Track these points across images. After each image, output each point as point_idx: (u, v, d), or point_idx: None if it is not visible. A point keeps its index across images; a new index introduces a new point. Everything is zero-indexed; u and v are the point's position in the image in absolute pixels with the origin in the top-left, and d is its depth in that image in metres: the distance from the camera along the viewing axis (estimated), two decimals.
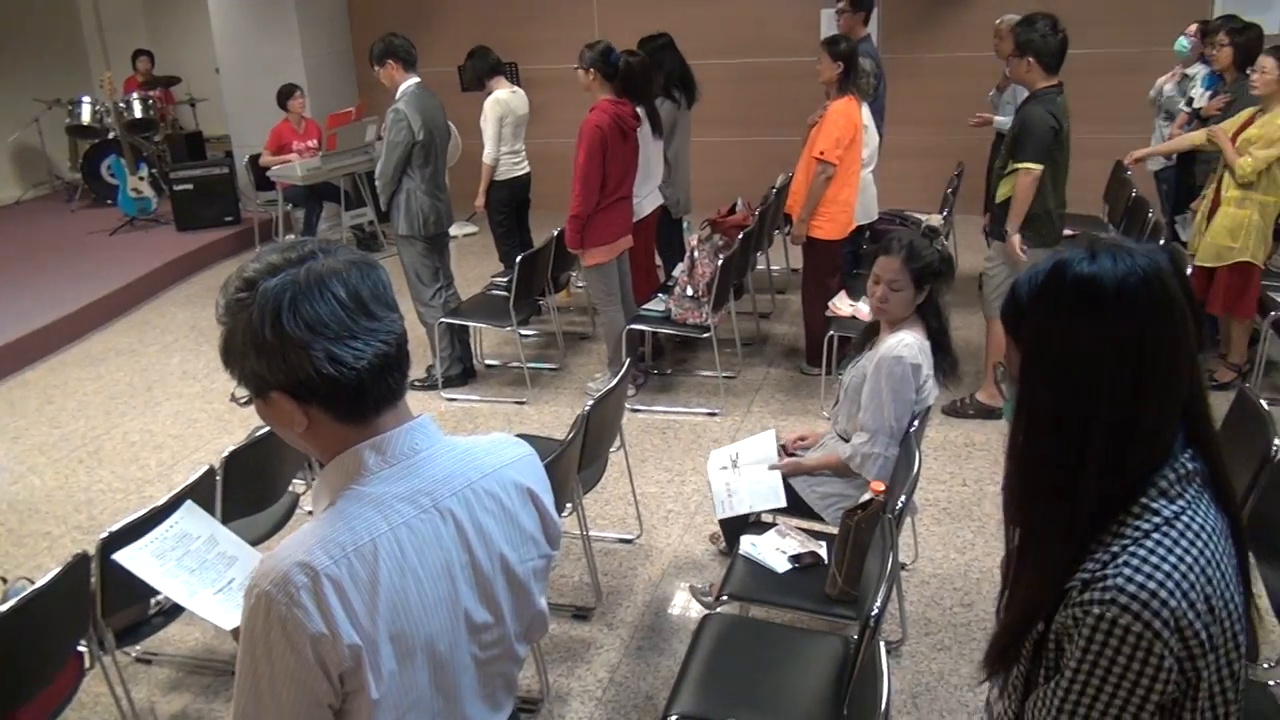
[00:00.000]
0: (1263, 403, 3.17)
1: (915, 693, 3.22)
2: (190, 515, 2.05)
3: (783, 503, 3.28)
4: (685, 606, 3.71)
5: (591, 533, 3.92)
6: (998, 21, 6.19)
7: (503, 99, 6.21)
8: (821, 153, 5.12)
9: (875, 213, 5.70)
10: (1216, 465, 1.29)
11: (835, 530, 2.99)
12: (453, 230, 5.92)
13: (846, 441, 3.33)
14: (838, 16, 6.36)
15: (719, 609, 3.09)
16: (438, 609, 1.32)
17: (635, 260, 5.56)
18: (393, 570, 1.28)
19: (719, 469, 3.44)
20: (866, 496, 3.05)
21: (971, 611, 3.59)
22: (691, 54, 5.92)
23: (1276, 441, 2.94)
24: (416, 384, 5.65)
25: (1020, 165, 4.50)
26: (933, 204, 6.74)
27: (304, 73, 8.92)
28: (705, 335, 5.24)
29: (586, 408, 3.36)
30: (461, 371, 5.71)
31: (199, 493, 2.92)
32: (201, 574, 1.93)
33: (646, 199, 5.51)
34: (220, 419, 5.47)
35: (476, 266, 7.59)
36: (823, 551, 3.12)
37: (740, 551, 3.16)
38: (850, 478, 3.28)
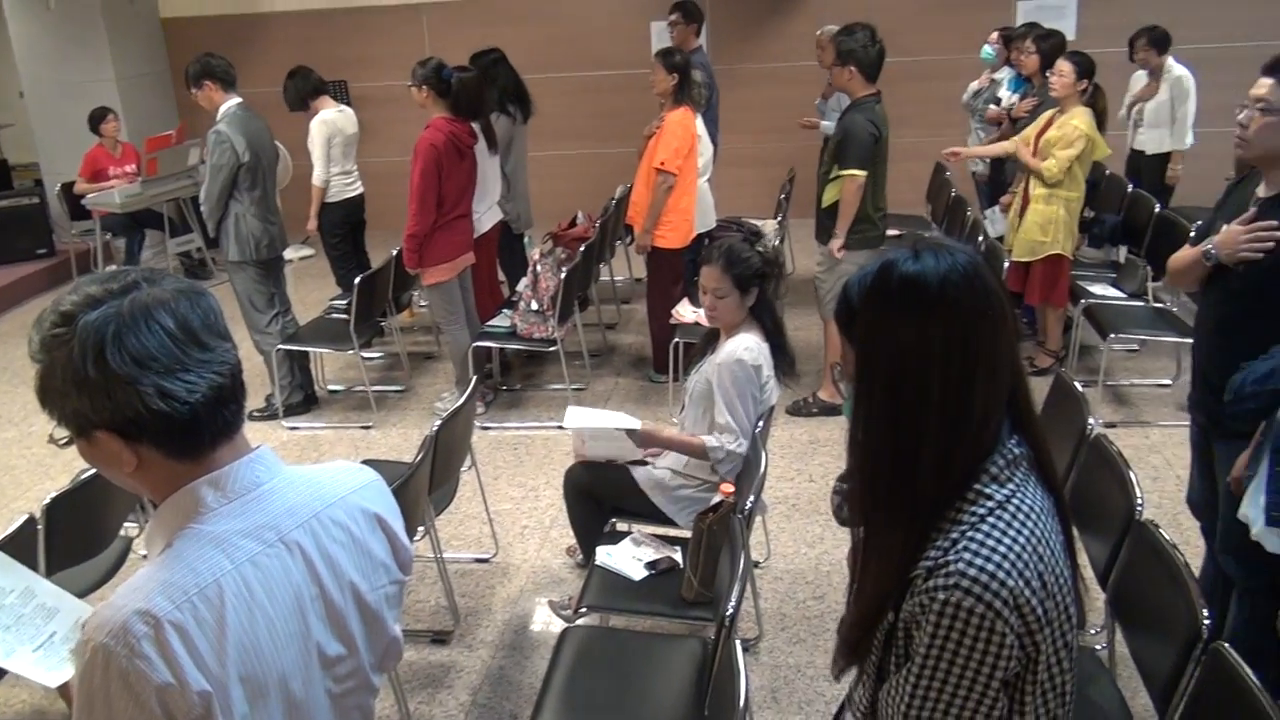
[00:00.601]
0: (1077, 385, 3.38)
1: (775, 687, 3.29)
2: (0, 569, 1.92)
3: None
4: (545, 622, 3.70)
5: (446, 554, 3.86)
6: (819, 33, 6.43)
7: (329, 119, 6.05)
8: (662, 163, 5.20)
9: (713, 221, 5.82)
10: (1040, 449, 1.36)
11: (689, 534, 3.03)
12: (287, 254, 5.74)
13: None
14: (670, 29, 6.48)
15: (578, 622, 3.09)
16: (289, 646, 1.28)
17: (478, 277, 5.52)
18: (240, 610, 1.23)
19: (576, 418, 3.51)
20: (717, 499, 3.11)
21: (824, 604, 3.69)
22: (525, 69, 5.93)
23: (1091, 420, 3.14)
24: (256, 414, 5.45)
25: (845, 172, 4.69)
26: (768, 209, 6.93)
27: (117, 95, 8.49)
28: (552, 349, 5.24)
29: (434, 428, 3.31)
30: (303, 399, 5.54)
31: (19, 544, 2.74)
32: (18, 630, 1.81)
33: (486, 215, 5.47)
34: (40, 463, 5.15)
35: (314, 290, 7.38)
36: (678, 556, 3.16)
37: (597, 562, 3.17)
38: (697, 484, 3.33)
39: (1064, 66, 5.06)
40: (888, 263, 1.32)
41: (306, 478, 1.37)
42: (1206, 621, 2.17)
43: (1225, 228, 2.74)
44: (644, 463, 3.53)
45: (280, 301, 5.39)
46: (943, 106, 7.81)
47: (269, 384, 5.47)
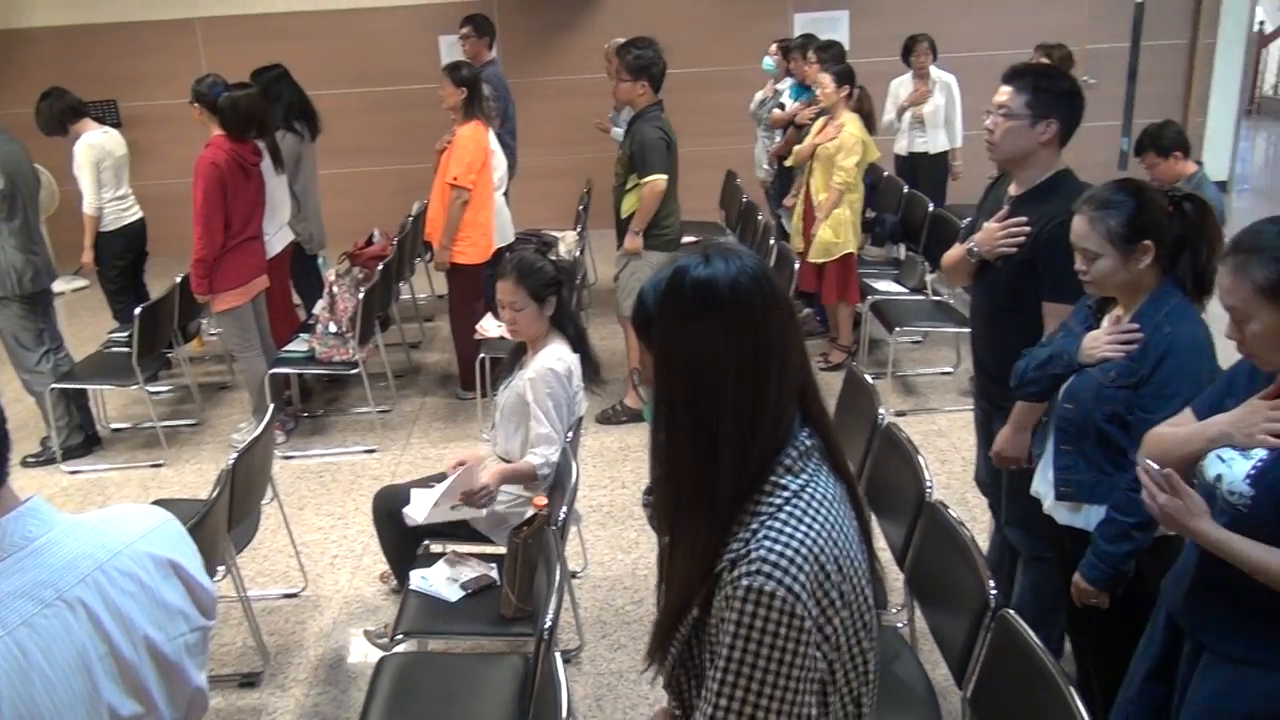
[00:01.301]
0: (868, 377, 3.55)
1: (599, 695, 3.31)
2: None
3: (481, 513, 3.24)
4: (362, 653, 3.58)
5: (251, 593, 3.69)
6: (606, 46, 6.53)
7: (95, 141, 5.64)
8: (455, 179, 5.15)
9: (512, 235, 5.81)
10: (830, 440, 1.43)
11: (505, 550, 3.01)
12: (57, 286, 5.35)
13: (509, 463, 3.37)
14: (462, 42, 6.43)
15: (396, 649, 3.01)
16: (73, 710, 1.19)
17: (271, 301, 5.30)
18: (14, 678, 1.13)
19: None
20: (530, 513, 3.10)
21: (642, 608, 3.74)
22: (311, 84, 5.75)
23: (881, 410, 3.31)
24: (30, 460, 5.05)
25: (648, 178, 4.78)
26: (568, 221, 6.97)
27: None
28: (354, 371, 5.09)
29: (230, 461, 3.16)
30: (83, 440, 5.17)
31: None
32: None
33: (276, 236, 5.27)
34: None
35: (89, 324, 6.93)
36: (495, 574, 3.13)
37: (411, 587, 3.10)
38: (510, 499, 3.31)
39: (824, 79, 5.43)
40: (680, 269, 1.35)
41: (88, 527, 1.28)
42: (993, 592, 2.32)
43: (984, 225, 2.95)
44: None
45: (51, 338, 5.01)
46: (729, 116, 8.07)
47: (45, 427, 5.09)
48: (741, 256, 1.36)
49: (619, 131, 6.52)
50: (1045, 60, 5.44)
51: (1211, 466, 1.96)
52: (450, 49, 7.75)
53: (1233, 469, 1.91)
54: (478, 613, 3.01)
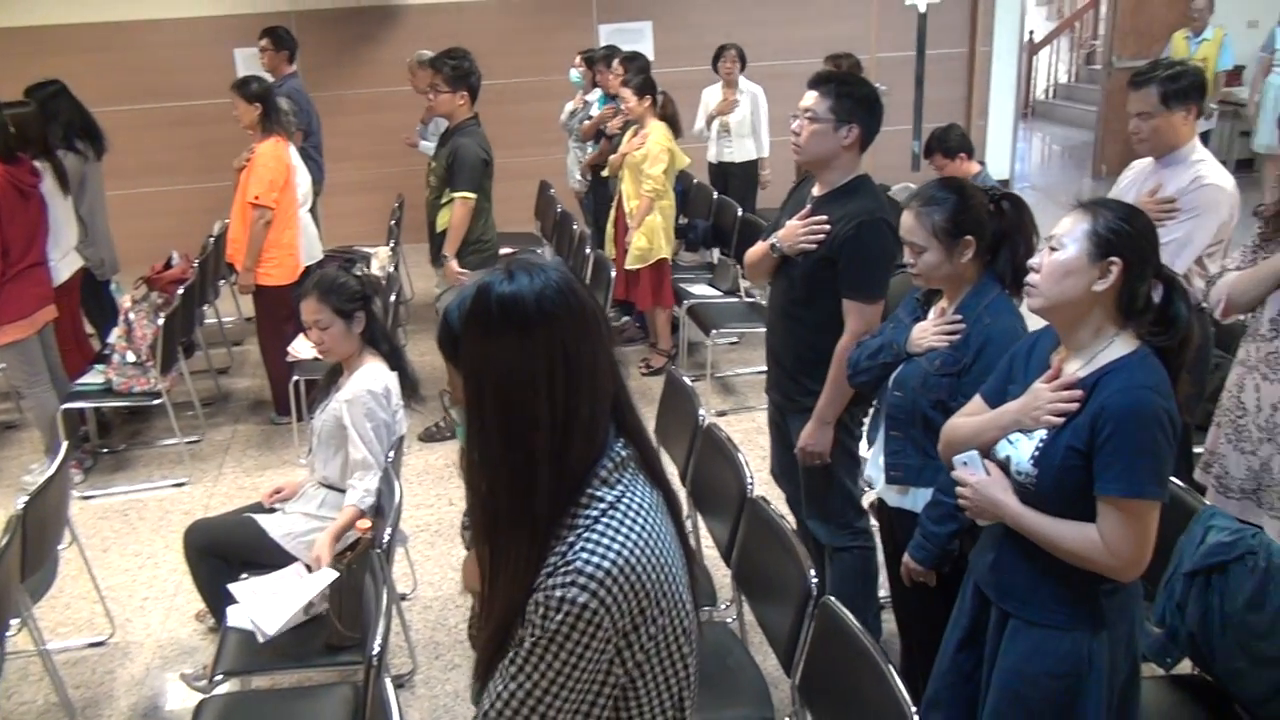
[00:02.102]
0: (687, 380, 3.62)
1: (435, 717, 3.24)
2: None
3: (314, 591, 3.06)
4: (180, 698, 3.39)
5: (51, 645, 3.45)
6: (409, 59, 6.44)
7: None
8: (256, 198, 4.96)
9: (319, 252, 5.62)
10: (645, 448, 1.44)
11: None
12: None
13: (329, 489, 3.27)
14: (260, 55, 6.20)
15: (216, 691, 2.86)
16: None
17: (60, 331, 4.95)
18: None
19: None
20: (354, 536, 3.01)
21: None
22: (97, 101, 5.42)
23: (702, 412, 3.38)
24: None
25: (457, 194, 4.73)
26: (381, 236, 6.82)
27: None
28: (157, 401, 4.82)
29: (20, 506, 2.94)
30: None
31: None
32: None
33: (62, 263, 4.93)
34: None
35: None
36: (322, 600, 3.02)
37: (230, 624, 2.96)
38: (321, 521, 3.21)
39: (625, 94, 5.54)
40: (484, 286, 1.34)
41: None
42: (814, 581, 2.41)
43: (787, 223, 3.06)
44: (272, 510, 3.36)
45: None
46: (540, 126, 8.09)
47: None
48: (545, 270, 1.35)
49: (427, 145, 6.44)
50: (835, 69, 5.69)
51: (1000, 449, 2.09)
52: (247, 62, 7.45)
53: (1018, 450, 2.04)
54: (303, 644, 2.89)
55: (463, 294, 1.36)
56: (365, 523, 3.01)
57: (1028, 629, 2.07)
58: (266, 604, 2.92)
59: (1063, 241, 1.98)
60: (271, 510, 3.36)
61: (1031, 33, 12.48)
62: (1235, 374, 2.82)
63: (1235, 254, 2.92)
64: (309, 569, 3.06)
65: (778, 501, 3.25)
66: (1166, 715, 2.48)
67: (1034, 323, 2.23)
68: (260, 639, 2.82)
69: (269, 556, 3.21)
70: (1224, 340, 3.44)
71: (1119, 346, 1.97)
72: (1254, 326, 2.75)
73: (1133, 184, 3.45)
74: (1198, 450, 3.01)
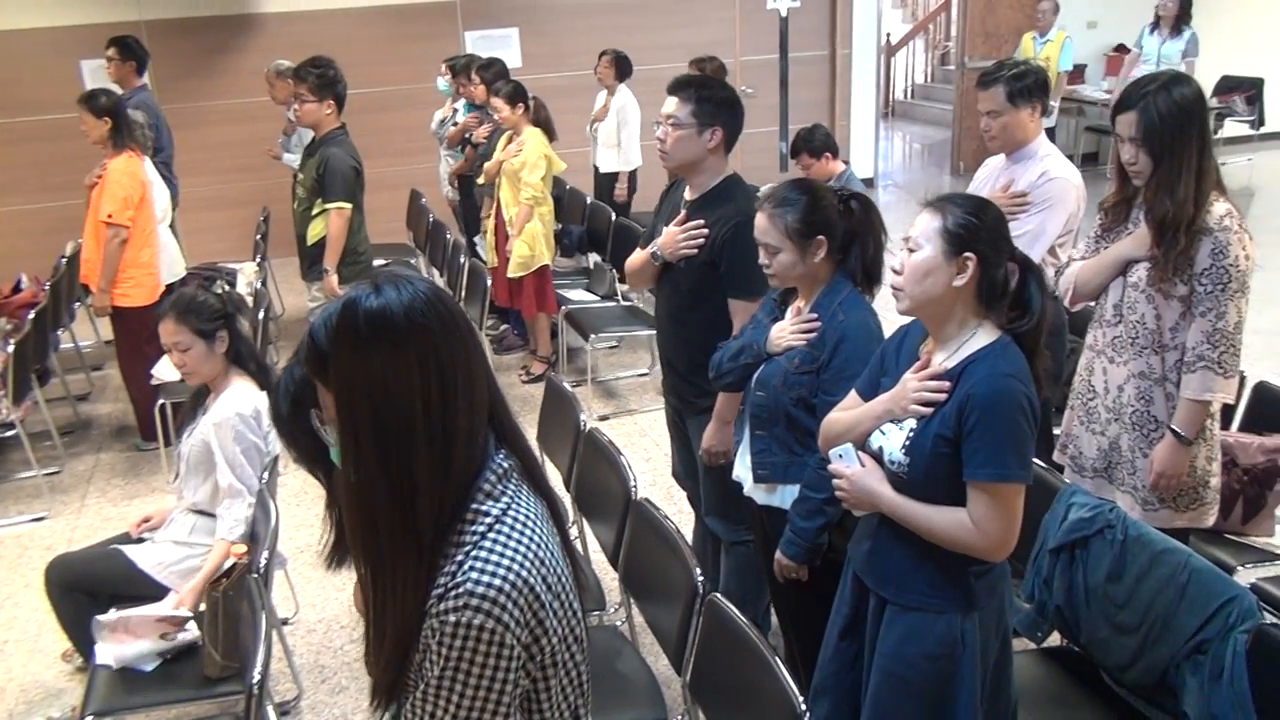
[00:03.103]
0: (567, 385, 3.62)
1: None
2: None
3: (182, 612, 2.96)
4: None
5: None
6: (267, 69, 6.28)
7: None
8: (109, 216, 4.75)
9: (182, 269, 5.43)
10: (526, 458, 1.43)
11: (204, 607, 2.81)
12: None
13: (198, 514, 3.16)
14: (108, 66, 5.95)
15: None
16: None
17: None
18: None
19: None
20: (230, 562, 2.91)
21: (362, 646, 3.61)
22: None
23: (583, 416, 3.38)
24: None
25: (331, 205, 4.61)
26: (246, 251, 6.62)
27: None
28: (10, 433, 4.58)
29: None
30: None
31: None
32: None
33: None
34: None
35: None
36: (195, 633, 2.91)
37: (99, 662, 2.83)
38: (205, 551, 3.10)
39: (496, 102, 5.53)
40: (350, 301, 1.31)
41: None
42: (700, 579, 2.44)
43: (664, 230, 3.09)
44: (141, 539, 3.23)
45: None
46: (410, 135, 7.99)
47: None
48: (413, 282, 1.33)
49: (291, 157, 6.29)
50: (699, 73, 5.76)
51: (873, 440, 2.15)
52: (95, 74, 7.14)
53: (890, 440, 2.11)
54: (179, 677, 2.79)
55: (328, 310, 1.33)
56: (241, 548, 2.92)
57: (904, 614, 2.13)
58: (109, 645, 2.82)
59: (918, 242, 2.05)
60: (140, 540, 3.23)
61: (889, 35, 12.88)
62: (1085, 358, 2.96)
63: (1080, 244, 3.07)
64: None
65: (666, 502, 3.28)
66: (1038, 687, 2.59)
67: (886, 317, 2.30)
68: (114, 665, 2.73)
69: (139, 588, 3.08)
70: (1078, 326, 3.61)
71: (981, 337, 2.05)
72: (1100, 312, 2.89)
73: (987, 180, 3.59)
74: (1057, 432, 3.15)
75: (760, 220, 2.57)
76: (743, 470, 2.76)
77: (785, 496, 2.62)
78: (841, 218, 2.57)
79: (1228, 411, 3.15)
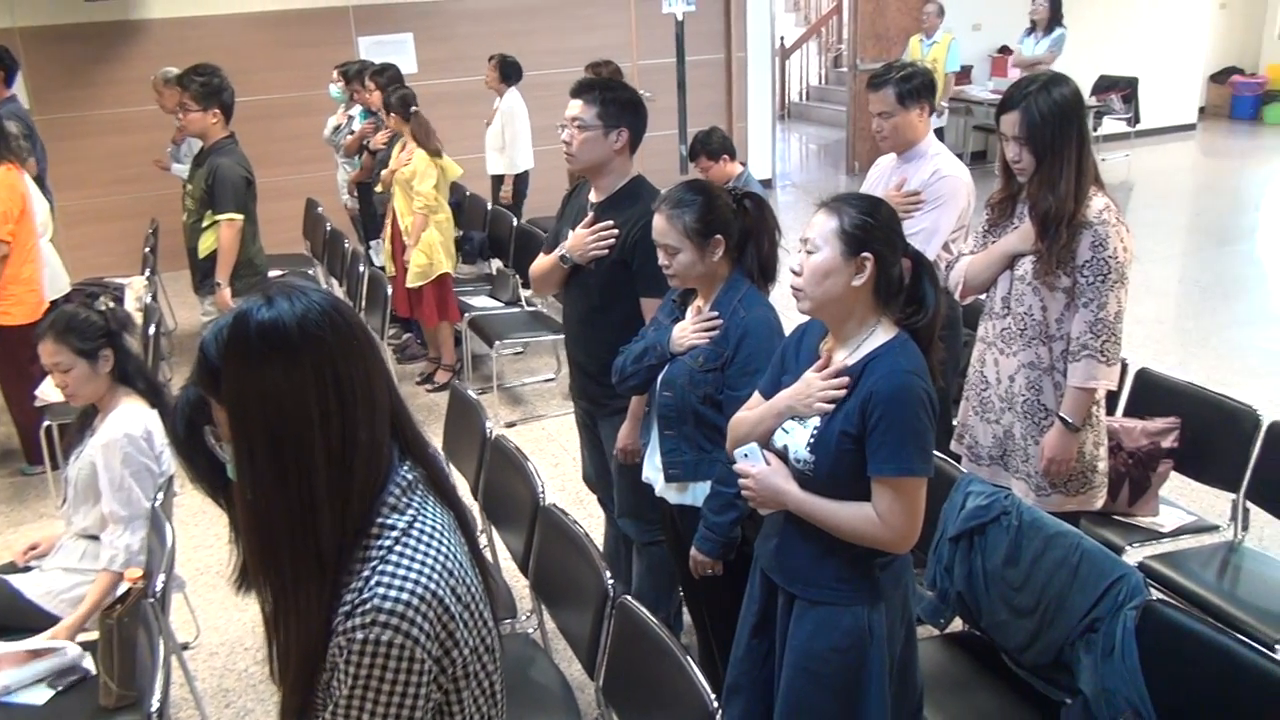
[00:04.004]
0: (472, 393, 3.59)
1: None
2: None
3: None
4: None
5: None
6: (154, 77, 6.11)
7: None
8: None
9: (66, 284, 5.22)
10: (432, 468, 1.40)
11: (96, 634, 2.71)
12: None
13: (88, 539, 3.04)
14: None
15: None
16: None
17: None
18: None
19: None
20: (124, 588, 2.81)
21: (267, 668, 3.52)
22: None
23: (489, 424, 3.35)
24: None
25: (222, 216, 4.49)
26: (134, 265, 6.41)
27: None
28: None
29: None
30: None
31: None
32: None
33: None
34: None
35: None
36: (89, 663, 2.81)
37: None
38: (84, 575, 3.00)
39: (388, 109, 5.50)
40: (241, 314, 1.28)
41: None
42: (610, 582, 2.44)
43: (572, 232, 3.08)
44: (28, 568, 3.10)
45: None
46: (304, 143, 7.83)
47: None
48: (307, 293, 1.30)
49: (180, 168, 6.12)
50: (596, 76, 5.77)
51: (777, 439, 2.18)
52: None
53: (794, 438, 2.14)
54: (72, 711, 2.68)
55: (219, 324, 1.29)
56: (136, 572, 2.82)
57: (812, 609, 2.17)
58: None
59: (816, 244, 2.08)
60: (27, 569, 3.10)
61: (782, 38, 13.08)
62: (977, 350, 3.05)
63: (970, 240, 3.16)
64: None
65: (575, 507, 3.28)
66: (943, 671, 2.66)
67: (783, 314, 2.34)
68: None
69: (27, 619, 2.96)
70: (971, 319, 3.72)
71: (880, 334, 2.10)
72: (990, 305, 2.98)
73: (879, 179, 3.68)
74: (956, 422, 3.23)
75: (658, 222, 2.59)
76: (653, 471, 2.77)
77: (697, 494, 2.65)
78: (737, 217, 2.61)
79: (1112, 398, 3.28)
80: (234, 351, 1.27)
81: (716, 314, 2.58)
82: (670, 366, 2.64)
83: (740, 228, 2.61)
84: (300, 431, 1.26)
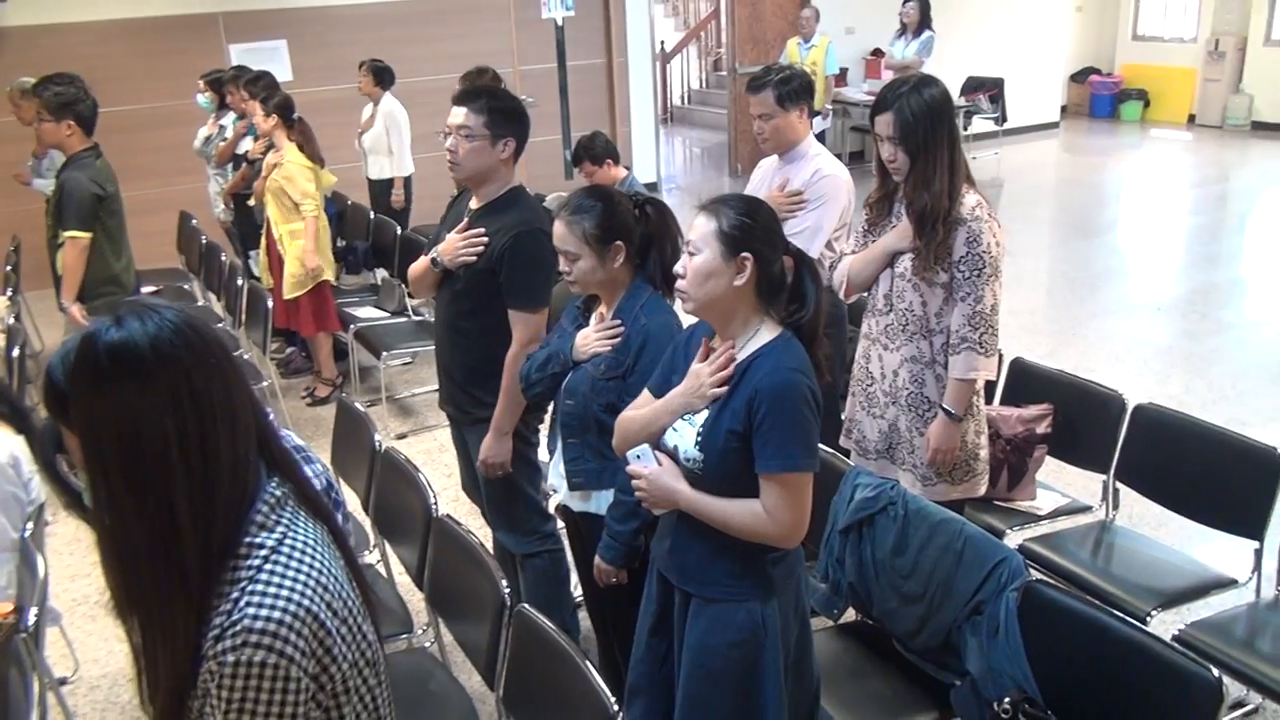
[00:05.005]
0: (359, 406, 3.52)
1: None
2: None
3: None
4: None
5: None
6: (9, 88, 5.84)
7: None
8: None
9: None
10: (300, 483, 1.37)
11: None
12: None
13: None
14: None
15: None
16: None
17: None
18: None
19: None
20: None
21: None
22: None
23: (378, 436, 3.30)
24: None
25: (66, 234, 4.30)
26: None
27: None
28: None
29: None
30: None
31: None
32: None
33: None
34: None
35: None
36: None
37: None
38: None
39: (255, 108, 5.35)
40: (88, 336, 1.23)
41: None
42: (506, 591, 2.42)
43: (446, 237, 3.05)
44: None
45: None
46: (175, 154, 7.56)
47: None
48: (159, 310, 1.27)
49: (42, 182, 5.87)
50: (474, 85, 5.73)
51: (667, 439, 2.20)
52: None
53: (683, 437, 2.16)
54: None
55: (65, 346, 1.24)
56: (5, 606, 2.68)
57: (706, 606, 2.19)
58: None
59: (697, 246, 2.10)
60: None
61: (663, 43, 13.20)
62: (861, 346, 3.13)
63: (850, 239, 3.24)
64: None
65: (470, 517, 3.24)
66: (838, 661, 2.71)
67: (688, 319, 2.36)
68: None
69: None
70: (856, 316, 3.81)
71: (765, 333, 2.13)
72: (872, 302, 3.06)
73: (762, 181, 3.74)
74: (844, 417, 3.30)
75: (558, 228, 2.58)
76: (556, 479, 2.75)
77: (600, 502, 2.64)
78: (637, 222, 2.61)
79: (990, 387, 3.40)
80: (82, 375, 1.23)
81: (618, 321, 2.57)
82: (573, 374, 2.63)
83: (642, 233, 2.61)
84: (157, 454, 1.22)
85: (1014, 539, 3.20)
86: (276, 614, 1.23)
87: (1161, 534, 3.63)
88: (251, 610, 1.22)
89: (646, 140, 10.17)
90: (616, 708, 2.03)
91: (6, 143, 6.98)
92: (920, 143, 2.79)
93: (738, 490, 2.10)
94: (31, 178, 6.15)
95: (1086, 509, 3.42)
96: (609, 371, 2.55)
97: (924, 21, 9.08)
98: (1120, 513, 3.35)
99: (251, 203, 5.80)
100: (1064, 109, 13.16)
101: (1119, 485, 3.29)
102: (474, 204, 3.06)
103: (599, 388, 2.56)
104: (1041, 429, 3.41)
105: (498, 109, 2.96)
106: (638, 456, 2.21)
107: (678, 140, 13.78)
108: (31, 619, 2.56)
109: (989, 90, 10.86)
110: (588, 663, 2.13)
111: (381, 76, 6.75)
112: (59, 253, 4.41)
